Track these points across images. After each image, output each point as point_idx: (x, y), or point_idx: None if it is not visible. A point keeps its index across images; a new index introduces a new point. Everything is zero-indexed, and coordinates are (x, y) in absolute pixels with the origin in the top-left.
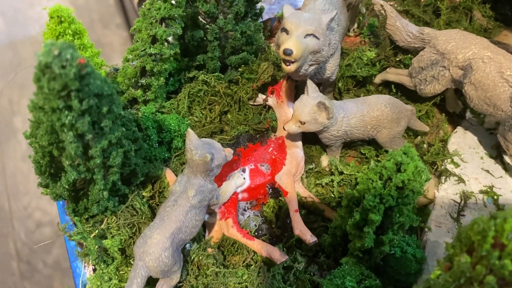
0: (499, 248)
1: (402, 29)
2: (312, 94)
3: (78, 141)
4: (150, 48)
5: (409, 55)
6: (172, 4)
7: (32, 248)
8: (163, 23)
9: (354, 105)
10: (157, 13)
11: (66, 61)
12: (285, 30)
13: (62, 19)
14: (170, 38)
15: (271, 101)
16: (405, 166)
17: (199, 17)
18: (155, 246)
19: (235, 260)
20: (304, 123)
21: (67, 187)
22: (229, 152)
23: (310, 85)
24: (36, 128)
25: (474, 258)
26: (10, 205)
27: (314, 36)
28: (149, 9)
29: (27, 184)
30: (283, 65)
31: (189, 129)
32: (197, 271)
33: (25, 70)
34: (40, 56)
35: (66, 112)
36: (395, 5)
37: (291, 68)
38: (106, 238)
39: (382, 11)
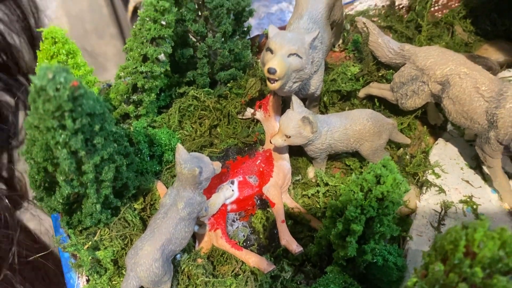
0: (470, 256)
1: (384, 45)
2: (297, 109)
3: (72, 157)
4: (141, 66)
5: (391, 70)
6: (162, 25)
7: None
8: (154, 43)
9: (338, 119)
10: (148, 33)
11: (60, 84)
12: (269, 50)
13: (56, 40)
14: (160, 56)
15: (259, 115)
16: (384, 178)
17: (189, 35)
18: (146, 257)
19: (224, 270)
20: (290, 137)
21: (61, 201)
22: (217, 166)
23: (295, 101)
24: (32, 145)
25: (448, 266)
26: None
27: (297, 55)
28: (140, 29)
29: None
30: (268, 82)
31: (179, 144)
32: (187, 280)
33: None
34: (35, 79)
35: (60, 131)
36: (379, 21)
37: (275, 86)
38: (99, 249)
39: (365, 28)
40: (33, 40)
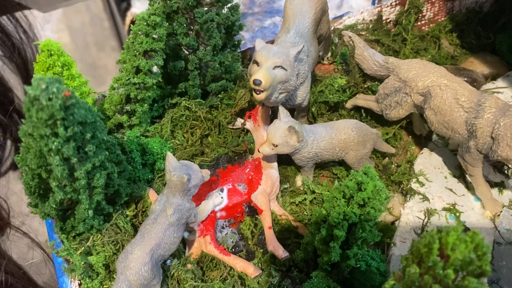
0: (444, 259)
1: (369, 58)
2: (284, 119)
3: (64, 164)
4: (134, 77)
5: (376, 82)
6: (153, 38)
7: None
8: (146, 55)
9: (324, 129)
10: (140, 46)
11: (53, 94)
12: (256, 62)
13: (52, 52)
14: (153, 68)
15: (249, 125)
16: (365, 185)
17: (181, 48)
18: (136, 261)
19: (213, 275)
20: (277, 145)
21: (54, 206)
22: (206, 173)
23: (282, 111)
24: (26, 152)
25: (423, 269)
26: None
27: (282, 67)
28: (133, 42)
29: (21, 206)
30: (254, 93)
31: (168, 153)
32: (176, 285)
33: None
34: (29, 89)
35: (53, 138)
36: (367, 35)
37: (261, 96)
38: (91, 254)
39: (351, 42)
40: (27, 74)
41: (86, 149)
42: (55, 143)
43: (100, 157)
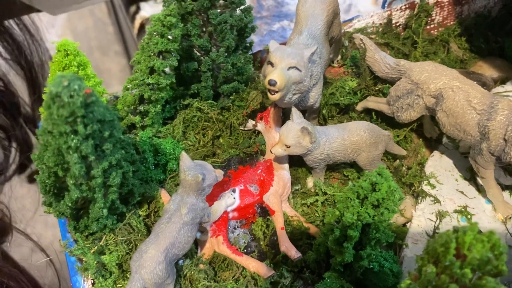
0: (461, 258)
1: (380, 61)
2: (296, 120)
3: (82, 162)
4: (148, 78)
5: (387, 84)
6: (168, 39)
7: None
8: (160, 56)
9: (336, 130)
10: (155, 47)
11: (74, 91)
12: (270, 63)
13: (68, 52)
14: (166, 69)
15: (260, 126)
16: (380, 185)
17: (194, 49)
18: (150, 260)
19: (225, 276)
20: (289, 146)
21: (70, 204)
22: (219, 173)
23: (295, 112)
24: (44, 150)
25: (439, 268)
26: None
27: (297, 68)
28: (148, 43)
29: (22, 209)
30: (268, 94)
31: (183, 152)
32: (189, 285)
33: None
34: (51, 86)
35: (72, 136)
36: (376, 38)
37: (275, 97)
38: (104, 254)
39: (362, 45)
40: (32, 78)
41: (104, 147)
42: (74, 141)
43: (116, 156)
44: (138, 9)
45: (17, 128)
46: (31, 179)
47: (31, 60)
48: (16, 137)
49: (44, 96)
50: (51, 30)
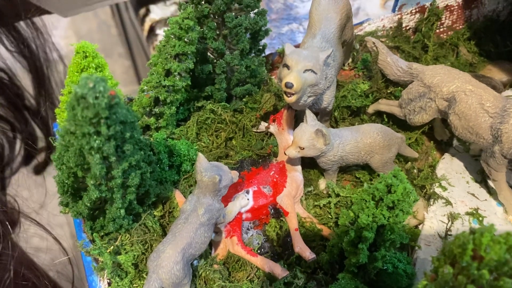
0: (478, 260)
1: (393, 64)
2: (310, 122)
3: (103, 163)
4: (164, 80)
5: (399, 87)
6: (185, 42)
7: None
8: (177, 58)
9: (349, 132)
10: (172, 50)
11: (99, 92)
12: (286, 66)
13: (87, 54)
14: (182, 72)
15: (273, 128)
16: (395, 187)
17: (208, 52)
18: (168, 260)
19: (239, 276)
20: (303, 148)
21: (89, 205)
22: (235, 174)
23: (309, 114)
24: (65, 151)
25: (456, 269)
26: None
27: (312, 71)
28: (165, 45)
29: (26, 209)
30: (284, 96)
31: (200, 153)
32: (204, 285)
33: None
34: (76, 88)
35: (95, 136)
36: (387, 41)
37: (292, 99)
38: (120, 254)
39: (374, 48)
40: (36, 69)
41: (124, 148)
42: (97, 141)
43: (136, 157)
44: (148, 11)
45: (21, 121)
46: (37, 171)
47: (36, 53)
48: (20, 130)
49: (63, 98)
50: (55, 31)
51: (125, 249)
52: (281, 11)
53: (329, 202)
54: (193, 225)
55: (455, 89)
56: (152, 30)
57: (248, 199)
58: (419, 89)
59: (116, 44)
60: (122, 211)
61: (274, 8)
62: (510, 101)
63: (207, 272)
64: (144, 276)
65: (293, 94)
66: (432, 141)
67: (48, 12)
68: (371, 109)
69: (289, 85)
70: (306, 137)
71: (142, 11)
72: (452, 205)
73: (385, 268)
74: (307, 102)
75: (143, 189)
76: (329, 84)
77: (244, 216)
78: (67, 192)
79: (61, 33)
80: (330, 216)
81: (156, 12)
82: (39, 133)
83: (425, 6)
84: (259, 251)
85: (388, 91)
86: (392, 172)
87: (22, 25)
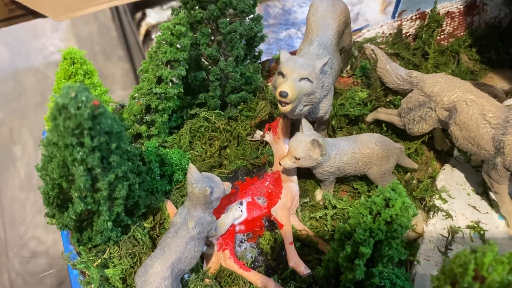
0: (479, 280)
1: (392, 72)
2: (306, 132)
3: (88, 174)
4: (155, 87)
5: (399, 96)
6: (177, 48)
7: (26, 278)
8: (169, 65)
9: (346, 143)
10: (163, 56)
11: (82, 102)
12: (281, 74)
13: (75, 60)
14: (174, 78)
15: (268, 137)
16: (393, 201)
17: (202, 59)
18: (156, 275)
19: None
20: (299, 159)
21: (74, 217)
22: (227, 186)
23: (305, 124)
24: (49, 162)
25: None
26: (5, 234)
27: (308, 79)
28: (156, 52)
29: (23, 213)
30: (279, 105)
31: (191, 164)
32: None
33: (26, 100)
34: (58, 98)
35: (78, 148)
36: (386, 48)
37: (286, 108)
38: (107, 267)
39: (373, 55)
40: None
41: (110, 160)
42: (80, 153)
43: (123, 168)
44: (144, 15)
45: None
46: None
47: None
48: None
49: (51, 105)
50: (55, 34)
51: (113, 262)
52: (279, 16)
53: (326, 214)
54: (183, 239)
55: (456, 98)
56: (148, 34)
57: (241, 211)
58: (419, 98)
59: (116, 47)
60: (110, 223)
61: (272, 13)
62: None
63: (198, 287)
64: None
65: (288, 103)
66: (432, 151)
67: (42, 16)
68: (369, 118)
69: (283, 94)
70: (302, 147)
71: (138, 15)
72: (453, 218)
73: (383, 284)
74: (303, 111)
75: (131, 200)
76: (326, 93)
77: (237, 228)
78: (52, 204)
79: (61, 35)
80: (326, 229)
81: (153, 16)
82: None
83: (426, 13)
84: (252, 265)
85: (387, 100)
86: (390, 185)
87: None
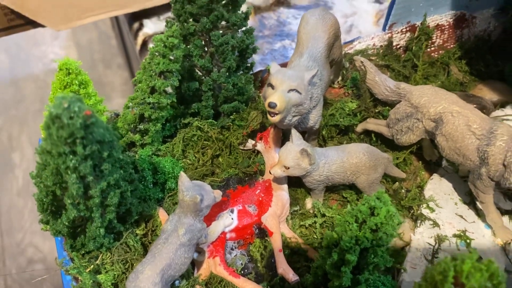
0: (459, 287)
1: (381, 83)
2: (296, 141)
3: (80, 182)
4: (149, 97)
5: (387, 107)
6: (170, 60)
7: (23, 285)
8: (162, 76)
9: (335, 152)
10: (156, 67)
11: (74, 112)
12: (271, 85)
13: (70, 71)
14: (167, 88)
15: (260, 146)
16: (378, 210)
17: (195, 69)
18: (146, 281)
19: None
20: (289, 168)
21: (67, 224)
22: (218, 194)
23: (295, 134)
24: (43, 169)
25: None
26: (3, 241)
27: (297, 91)
28: (149, 63)
29: (21, 220)
30: (268, 116)
31: (182, 172)
32: None
33: (26, 107)
34: (51, 108)
35: (71, 156)
36: (377, 60)
37: (275, 119)
38: (100, 273)
39: (362, 67)
40: None
41: (102, 168)
42: (73, 161)
43: (115, 176)
44: (141, 25)
45: None
46: None
47: None
48: None
49: (44, 114)
50: (55, 42)
51: (105, 268)
52: (274, 27)
53: (315, 222)
54: (173, 245)
55: (442, 110)
56: (144, 44)
57: (232, 218)
58: (406, 109)
59: (116, 55)
60: (102, 230)
61: (268, 24)
62: (496, 123)
63: None
64: None
65: (276, 114)
66: (420, 161)
67: (42, 26)
68: (359, 128)
69: (272, 105)
70: (291, 156)
71: (136, 25)
72: (440, 226)
73: None
74: (292, 121)
75: (124, 207)
76: (315, 104)
77: (228, 235)
78: (46, 210)
79: (61, 43)
80: (315, 237)
81: (150, 27)
82: None
83: (416, 25)
84: (242, 272)
85: (377, 110)
86: (375, 194)
87: None
